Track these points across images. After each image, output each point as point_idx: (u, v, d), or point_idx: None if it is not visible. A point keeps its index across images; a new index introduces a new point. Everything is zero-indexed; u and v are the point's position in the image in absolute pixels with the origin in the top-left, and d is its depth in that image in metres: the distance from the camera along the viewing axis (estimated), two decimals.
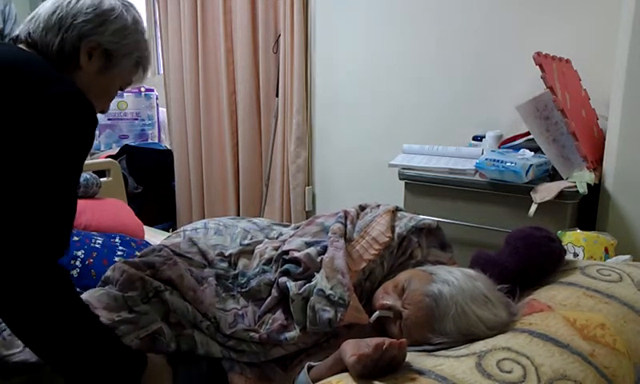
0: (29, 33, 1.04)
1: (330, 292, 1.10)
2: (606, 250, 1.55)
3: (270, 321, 1.15)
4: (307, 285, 1.14)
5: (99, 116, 1.05)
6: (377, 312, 1.11)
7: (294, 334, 1.12)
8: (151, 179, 3.26)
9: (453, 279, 1.07)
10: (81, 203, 1.19)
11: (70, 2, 1.04)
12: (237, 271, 1.25)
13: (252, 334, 1.12)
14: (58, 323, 0.90)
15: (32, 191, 0.89)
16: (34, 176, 0.89)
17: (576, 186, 1.71)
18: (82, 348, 0.92)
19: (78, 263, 1.49)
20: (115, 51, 1.08)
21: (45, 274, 0.89)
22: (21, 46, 1.05)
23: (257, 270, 1.24)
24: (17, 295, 0.86)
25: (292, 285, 1.15)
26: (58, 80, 0.96)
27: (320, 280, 1.13)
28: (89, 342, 0.93)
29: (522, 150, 1.88)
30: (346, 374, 0.90)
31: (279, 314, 1.15)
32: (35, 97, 0.90)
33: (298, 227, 1.36)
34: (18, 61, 0.97)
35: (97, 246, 1.57)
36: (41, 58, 1.02)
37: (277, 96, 2.85)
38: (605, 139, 1.85)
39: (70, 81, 0.99)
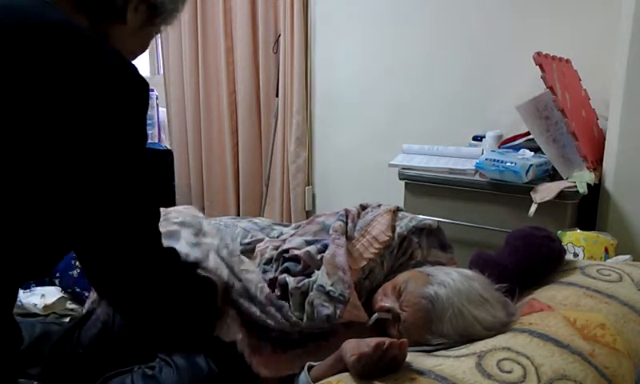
0: None
1: (331, 288, 1.11)
2: (606, 250, 1.55)
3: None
4: (306, 280, 1.15)
5: None
6: (376, 314, 1.12)
7: (293, 316, 1.13)
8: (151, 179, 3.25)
9: (449, 280, 1.07)
10: None
11: None
12: None
13: (264, 285, 1.16)
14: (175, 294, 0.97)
15: (121, 187, 0.83)
16: (118, 170, 0.82)
17: (576, 186, 1.71)
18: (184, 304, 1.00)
19: (78, 263, 1.49)
20: (162, 5, 0.96)
21: (164, 259, 0.93)
22: None
23: (257, 269, 1.24)
24: (148, 285, 0.91)
25: (290, 279, 1.15)
26: (99, 47, 0.81)
27: (320, 276, 1.13)
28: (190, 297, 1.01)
29: (522, 150, 1.88)
30: (346, 374, 0.90)
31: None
32: (82, 71, 0.77)
33: (298, 227, 1.36)
34: (51, 21, 0.80)
35: None
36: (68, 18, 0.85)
37: (277, 96, 2.85)
38: (605, 139, 1.86)
39: (110, 46, 0.85)
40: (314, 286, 1.13)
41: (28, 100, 0.74)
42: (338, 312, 1.10)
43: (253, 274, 1.18)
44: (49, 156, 0.77)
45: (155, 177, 0.92)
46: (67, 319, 1.49)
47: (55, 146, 0.76)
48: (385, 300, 1.13)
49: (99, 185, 0.81)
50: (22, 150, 0.75)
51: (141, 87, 0.83)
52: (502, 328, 1.01)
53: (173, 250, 1.01)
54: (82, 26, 0.84)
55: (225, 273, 1.17)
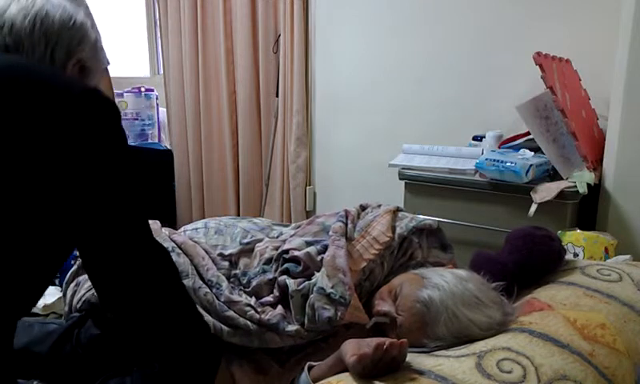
0: (5, 45, 0.94)
1: (331, 290, 1.11)
2: (606, 250, 1.55)
3: (270, 311, 1.15)
4: (306, 282, 1.15)
5: None
6: (373, 318, 1.12)
7: (292, 327, 1.12)
8: (151, 179, 3.26)
9: (443, 283, 1.07)
10: None
11: (43, 12, 0.96)
12: (238, 271, 1.26)
13: (252, 312, 1.13)
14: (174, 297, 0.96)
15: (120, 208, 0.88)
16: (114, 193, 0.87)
17: (576, 186, 1.71)
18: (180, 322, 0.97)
19: (78, 262, 1.48)
20: (92, 66, 1.05)
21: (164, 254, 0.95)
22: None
23: (257, 269, 1.24)
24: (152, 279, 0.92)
25: (291, 282, 1.15)
26: (68, 78, 0.89)
27: (320, 278, 1.13)
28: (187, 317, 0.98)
29: (522, 150, 1.87)
30: (346, 374, 0.90)
31: (279, 308, 1.16)
32: (64, 106, 0.82)
33: (298, 227, 1.36)
34: (21, 67, 0.88)
35: None
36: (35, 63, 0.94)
37: (277, 96, 2.85)
38: (605, 139, 1.86)
39: (70, 78, 0.94)
40: (315, 288, 1.13)
41: (8, 148, 0.78)
42: (339, 314, 1.10)
43: (236, 305, 1.15)
44: (41, 190, 0.80)
45: (144, 178, 0.94)
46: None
47: (47, 183, 0.80)
48: (381, 304, 1.13)
49: (91, 207, 0.84)
50: (15, 189, 0.79)
51: (110, 109, 0.88)
52: (499, 328, 1.01)
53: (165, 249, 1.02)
54: (41, 66, 0.91)
55: (208, 319, 1.13)
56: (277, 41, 2.81)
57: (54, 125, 0.80)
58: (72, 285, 1.31)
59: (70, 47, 0.99)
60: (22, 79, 0.83)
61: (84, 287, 1.26)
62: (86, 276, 1.24)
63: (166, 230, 1.36)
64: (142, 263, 0.90)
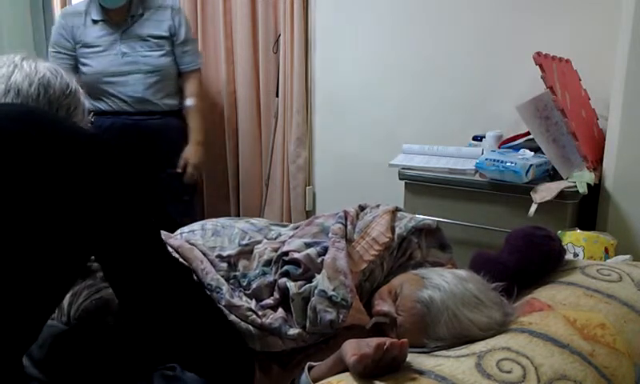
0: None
1: (333, 293, 1.10)
2: (606, 250, 1.55)
3: (272, 315, 1.15)
4: (307, 285, 1.15)
5: None
6: (373, 318, 1.12)
7: (294, 331, 1.12)
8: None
9: (444, 284, 1.07)
10: None
11: (45, 80, 1.07)
12: (237, 272, 1.25)
13: (254, 316, 1.13)
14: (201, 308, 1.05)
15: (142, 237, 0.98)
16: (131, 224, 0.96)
17: (576, 186, 1.71)
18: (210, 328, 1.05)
19: None
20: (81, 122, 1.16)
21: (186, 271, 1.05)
22: None
23: (257, 271, 1.23)
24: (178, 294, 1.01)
25: (292, 285, 1.15)
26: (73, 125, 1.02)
27: (321, 281, 1.13)
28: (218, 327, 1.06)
29: (522, 150, 1.88)
30: (346, 374, 0.90)
31: (280, 311, 1.16)
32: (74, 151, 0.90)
33: (297, 227, 1.35)
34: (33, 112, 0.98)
35: None
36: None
37: (277, 96, 2.85)
38: (605, 139, 1.86)
39: (73, 124, 1.05)
40: (316, 291, 1.12)
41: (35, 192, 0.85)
42: (341, 317, 1.09)
43: (238, 309, 1.14)
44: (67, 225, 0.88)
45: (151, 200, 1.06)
46: None
47: (63, 213, 0.87)
48: (381, 304, 1.12)
49: (104, 230, 0.92)
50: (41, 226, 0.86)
51: (111, 150, 0.96)
52: (499, 328, 1.01)
53: (186, 266, 1.10)
54: (55, 115, 1.05)
55: None
56: (277, 41, 2.81)
57: (67, 165, 0.88)
58: (69, 294, 1.30)
59: (68, 112, 1.10)
60: (39, 124, 0.91)
61: (82, 295, 1.25)
62: (82, 285, 1.25)
63: (162, 234, 1.36)
64: (157, 276, 0.97)
